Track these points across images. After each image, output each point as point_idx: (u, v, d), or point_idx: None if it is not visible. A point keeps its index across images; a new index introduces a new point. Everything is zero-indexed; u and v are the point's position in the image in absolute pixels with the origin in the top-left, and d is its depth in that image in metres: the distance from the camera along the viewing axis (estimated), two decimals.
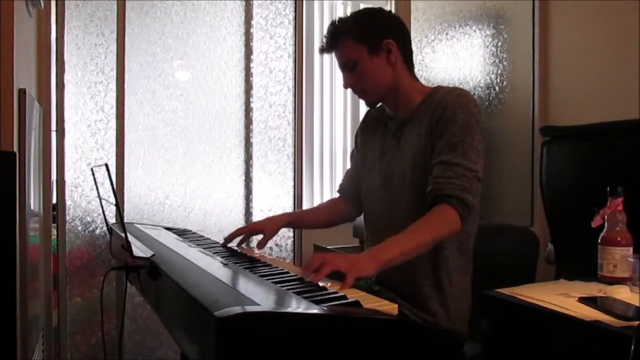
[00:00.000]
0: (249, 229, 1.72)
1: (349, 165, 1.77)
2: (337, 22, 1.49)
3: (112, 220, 2.23)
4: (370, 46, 1.44)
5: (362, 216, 1.70)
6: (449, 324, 1.41)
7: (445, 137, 1.35)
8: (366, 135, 1.65)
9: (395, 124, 1.52)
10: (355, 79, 1.48)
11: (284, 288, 1.05)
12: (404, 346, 0.92)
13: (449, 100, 1.39)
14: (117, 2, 2.34)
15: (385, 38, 1.45)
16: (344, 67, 1.49)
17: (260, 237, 1.66)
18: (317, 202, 2.90)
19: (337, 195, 1.80)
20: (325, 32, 1.51)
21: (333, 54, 1.52)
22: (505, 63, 3.14)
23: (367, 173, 1.61)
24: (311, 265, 1.16)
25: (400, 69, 1.48)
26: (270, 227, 1.68)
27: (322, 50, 1.52)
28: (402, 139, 1.49)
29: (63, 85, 2.24)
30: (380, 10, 1.53)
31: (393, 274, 1.50)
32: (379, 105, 1.57)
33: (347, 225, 1.81)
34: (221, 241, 1.68)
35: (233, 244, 1.67)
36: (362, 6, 2.93)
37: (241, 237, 1.68)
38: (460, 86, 3.03)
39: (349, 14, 1.56)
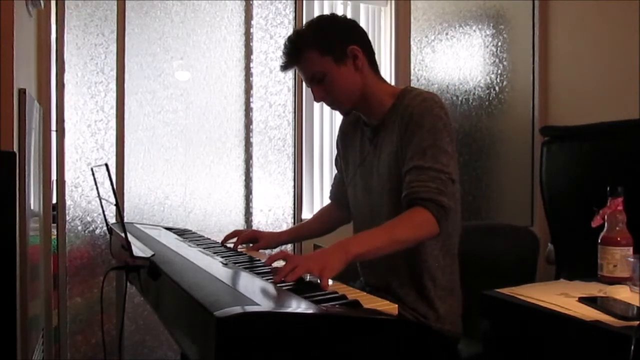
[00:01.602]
0: (248, 235, 1.73)
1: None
2: (295, 36, 1.46)
3: (112, 220, 2.23)
4: (336, 55, 1.41)
5: None
6: (438, 324, 1.41)
7: (415, 142, 1.35)
8: (346, 142, 1.65)
9: (370, 130, 1.52)
10: (325, 92, 1.45)
11: (284, 288, 1.05)
12: (403, 346, 0.92)
13: (415, 106, 1.38)
14: (117, 2, 2.34)
15: (349, 44, 1.42)
16: (310, 81, 1.46)
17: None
18: (317, 202, 2.90)
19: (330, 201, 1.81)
20: (283, 47, 1.47)
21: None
22: (505, 63, 3.14)
23: (350, 180, 1.61)
24: (283, 271, 1.14)
25: (367, 73, 1.46)
26: (269, 239, 1.71)
27: (284, 67, 1.49)
28: (377, 145, 1.49)
29: (63, 85, 2.24)
30: (336, 17, 1.50)
31: (378, 279, 1.50)
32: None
33: (347, 226, 1.83)
34: (221, 241, 1.69)
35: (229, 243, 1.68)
36: (362, 6, 2.95)
37: (237, 240, 1.69)
38: (461, 86, 3.05)
39: (304, 25, 1.51)
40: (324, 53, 1.41)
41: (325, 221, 1.79)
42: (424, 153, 1.33)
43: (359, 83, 1.45)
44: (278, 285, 1.07)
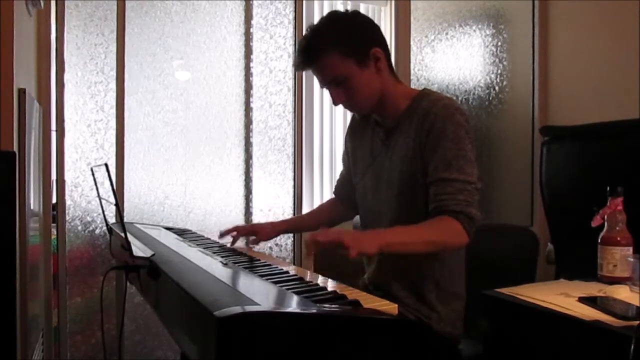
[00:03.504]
0: (246, 230, 1.73)
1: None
2: (313, 36, 1.39)
3: (112, 220, 2.22)
4: (358, 59, 1.36)
5: None
6: (440, 326, 1.41)
7: (439, 153, 1.34)
8: (355, 140, 1.63)
9: (383, 131, 1.50)
10: (345, 95, 1.41)
11: (284, 288, 1.05)
12: (403, 346, 0.92)
13: (437, 112, 1.35)
14: (117, 2, 2.33)
15: (372, 47, 1.38)
16: (329, 83, 1.41)
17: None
18: (317, 202, 2.90)
19: (333, 196, 1.81)
20: (299, 46, 1.40)
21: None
22: (505, 63, 3.14)
23: (359, 178, 1.60)
24: (318, 236, 1.15)
25: (386, 75, 1.43)
26: (266, 231, 1.71)
27: (300, 68, 1.44)
28: (390, 147, 1.47)
29: (63, 85, 2.23)
30: (357, 16, 1.44)
31: (380, 280, 1.50)
32: None
33: (347, 225, 1.83)
34: (221, 241, 1.69)
35: (227, 241, 1.69)
36: (362, 6, 2.95)
37: (236, 234, 1.69)
38: (461, 86, 3.05)
39: (321, 23, 1.42)
40: (346, 56, 1.36)
41: (325, 216, 1.79)
42: (449, 164, 1.32)
43: (379, 86, 1.42)
44: (278, 285, 1.07)
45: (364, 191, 1.57)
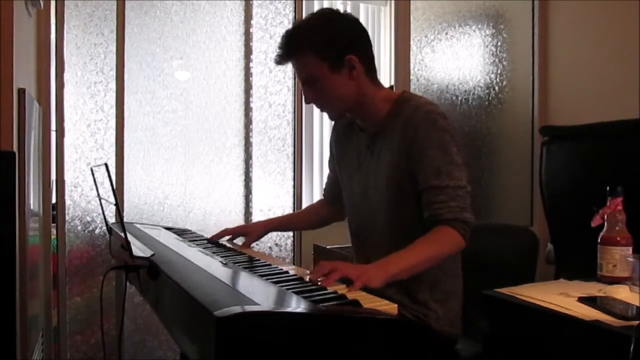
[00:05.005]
0: (234, 231, 1.73)
1: None
2: (294, 32, 1.41)
3: (111, 220, 2.22)
4: (332, 63, 1.37)
5: None
6: (438, 325, 1.41)
7: (426, 162, 1.34)
8: (340, 145, 1.63)
9: (367, 136, 1.50)
10: (316, 95, 1.42)
11: (284, 288, 1.05)
12: (403, 346, 0.92)
13: (419, 119, 1.36)
14: (117, 2, 2.34)
15: (347, 54, 1.38)
16: (303, 81, 1.43)
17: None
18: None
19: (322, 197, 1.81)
20: (280, 40, 1.42)
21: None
22: (505, 63, 3.14)
23: (345, 183, 1.60)
24: (321, 270, 1.15)
25: (363, 81, 1.42)
26: (256, 230, 1.72)
27: (278, 62, 1.44)
28: (375, 152, 1.47)
29: (63, 85, 2.23)
30: (340, 19, 1.44)
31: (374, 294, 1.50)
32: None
33: (347, 226, 1.82)
34: (220, 241, 1.69)
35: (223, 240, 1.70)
36: (361, 6, 2.95)
37: (228, 237, 1.70)
38: (460, 86, 3.05)
39: (305, 20, 1.46)
40: (321, 58, 1.37)
41: (313, 218, 1.80)
42: (438, 172, 1.33)
43: (353, 91, 1.41)
44: (278, 285, 1.07)
45: (352, 196, 1.56)
